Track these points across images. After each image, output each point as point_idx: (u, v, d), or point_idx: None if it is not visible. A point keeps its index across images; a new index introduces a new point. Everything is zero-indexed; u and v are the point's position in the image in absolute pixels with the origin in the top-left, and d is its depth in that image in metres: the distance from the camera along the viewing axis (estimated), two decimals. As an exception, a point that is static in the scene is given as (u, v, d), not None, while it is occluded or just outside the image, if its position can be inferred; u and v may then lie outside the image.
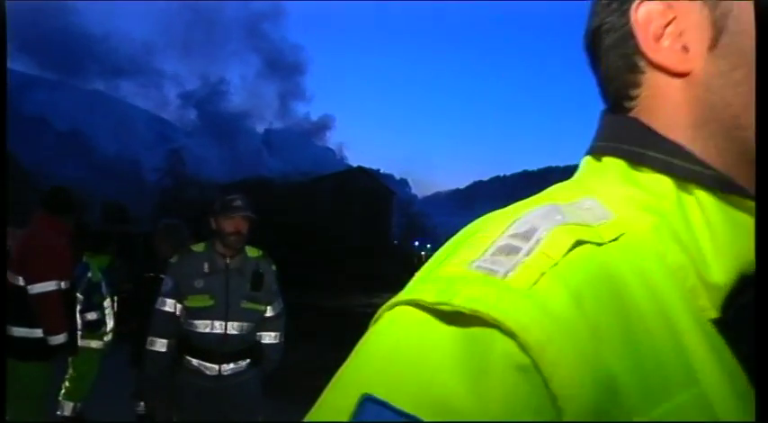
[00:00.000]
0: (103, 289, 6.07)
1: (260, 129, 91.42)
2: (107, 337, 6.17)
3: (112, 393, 6.23)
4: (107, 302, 6.16)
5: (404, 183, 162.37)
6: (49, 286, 4.72)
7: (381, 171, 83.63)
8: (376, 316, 0.59)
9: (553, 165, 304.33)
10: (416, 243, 60.83)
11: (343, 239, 41.07)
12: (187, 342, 3.85)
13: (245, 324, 3.89)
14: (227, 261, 3.87)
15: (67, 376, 6.00)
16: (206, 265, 3.84)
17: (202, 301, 3.81)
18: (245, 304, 3.90)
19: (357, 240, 44.12)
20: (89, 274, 6.03)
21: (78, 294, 5.69)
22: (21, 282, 4.66)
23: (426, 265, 0.65)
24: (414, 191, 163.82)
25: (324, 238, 37.38)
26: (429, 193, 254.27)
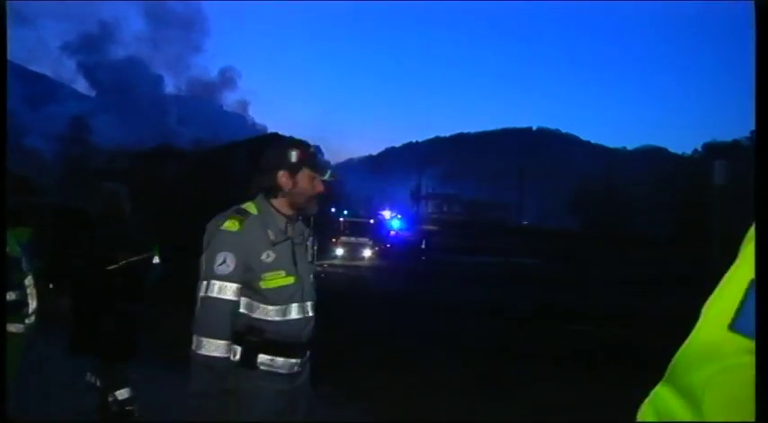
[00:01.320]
0: (24, 265, 5.28)
1: (164, 92, 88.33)
2: (29, 320, 5.33)
3: (44, 386, 5.55)
4: (28, 280, 5.34)
5: (317, 150, 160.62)
6: None
7: (294, 138, 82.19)
8: None
9: (464, 131, 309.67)
10: (333, 209, 60.47)
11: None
12: (258, 336, 2.99)
13: (313, 303, 3.25)
14: (290, 226, 3.16)
15: None
16: (270, 233, 3.05)
17: (280, 280, 3.03)
18: (312, 279, 3.28)
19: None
20: (7, 250, 5.28)
21: None
22: None
23: None
24: (327, 157, 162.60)
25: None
26: (342, 159, 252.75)
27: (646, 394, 0.98)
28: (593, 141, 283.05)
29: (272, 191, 3.13)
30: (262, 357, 2.99)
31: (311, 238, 3.34)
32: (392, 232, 56.33)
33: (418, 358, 9.37)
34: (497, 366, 9.10)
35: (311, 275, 3.27)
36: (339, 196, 74.32)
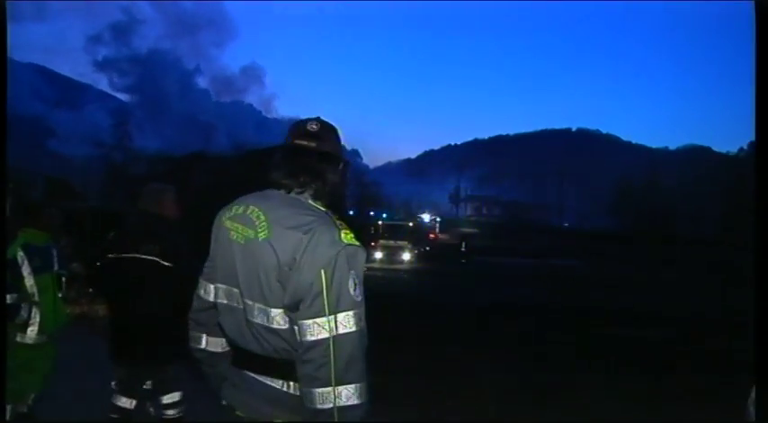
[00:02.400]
0: (25, 269, 5.07)
1: (204, 98, 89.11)
2: (31, 331, 5.13)
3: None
4: (30, 286, 5.12)
5: (355, 153, 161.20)
6: None
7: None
8: None
9: (503, 133, 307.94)
10: (371, 213, 60.37)
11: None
12: None
13: None
14: None
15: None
16: None
17: None
18: None
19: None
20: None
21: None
22: None
23: None
24: (365, 161, 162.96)
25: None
26: (380, 163, 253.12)
27: (691, 395, 0.94)
28: (634, 141, 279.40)
29: (310, 187, 2.43)
30: None
31: None
32: (432, 235, 56.07)
33: (459, 362, 9.15)
34: (540, 371, 8.85)
35: None
36: (377, 200, 74.54)
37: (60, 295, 5.44)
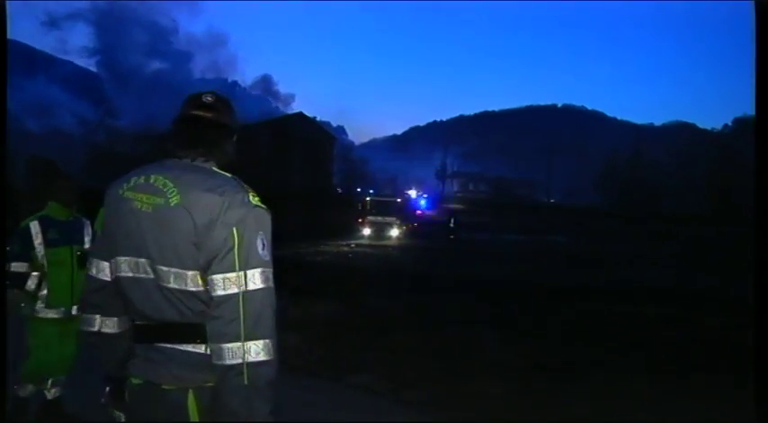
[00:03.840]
0: (36, 239, 5.14)
1: (186, 74, 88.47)
2: (40, 303, 5.16)
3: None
4: (40, 257, 5.16)
5: (341, 130, 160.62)
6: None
7: (318, 119, 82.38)
8: None
9: (489, 110, 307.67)
10: (359, 189, 60.25)
11: (287, 186, 40.04)
12: None
13: None
14: None
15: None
16: None
17: None
18: None
19: (300, 187, 43.20)
20: (22, 222, 5.25)
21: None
22: None
23: None
24: (351, 138, 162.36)
25: (266, 186, 36.33)
26: (366, 139, 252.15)
27: (689, 370, 0.95)
28: (619, 118, 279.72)
29: (214, 156, 2.51)
30: None
31: None
32: (419, 211, 55.98)
33: (456, 342, 8.96)
34: (543, 348, 8.68)
35: None
36: (364, 177, 74.32)
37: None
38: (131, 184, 2.39)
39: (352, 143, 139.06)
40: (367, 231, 41.61)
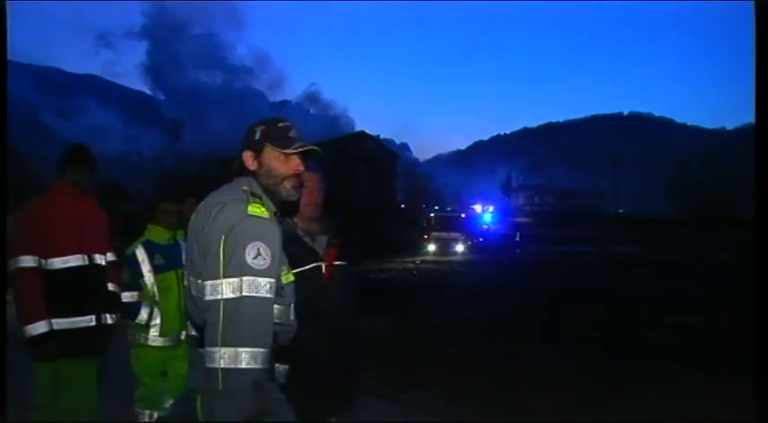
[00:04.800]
0: (144, 266, 5.03)
1: (252, 98, 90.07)
2: (153, 332, 5.03)
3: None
4: (151, 285, 5.05)
5: (405, 147, 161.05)
6: (22, 262, 4.07)
7: (381, 137, 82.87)
8: None
9: (553, 121, 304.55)
10: (423, 205, 60.16)
11: (351, 205, 40.24)
12: (274, 342, 2.59)
13: None
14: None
15: None
16: None
17: (288, 276, 2.74)
18: None
19: (364, 205, 43.36)
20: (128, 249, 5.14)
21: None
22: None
23: None
24: (415, 154, 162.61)
25: (331, 204, 36.63)
26: (430, 155, 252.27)
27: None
28: (689, 123, 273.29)
29: (243, 174, 2.71)
30: (279, 367, 2.69)
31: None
32: (484, 226, 55.55)
33: (521, 357, 8.79)
34: (611, 363, 8.45)
35: None
36: (428, 193, 74.26)
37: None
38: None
39: (417, 159, 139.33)
40: (432, 247, 41.45)
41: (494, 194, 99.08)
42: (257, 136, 2.68)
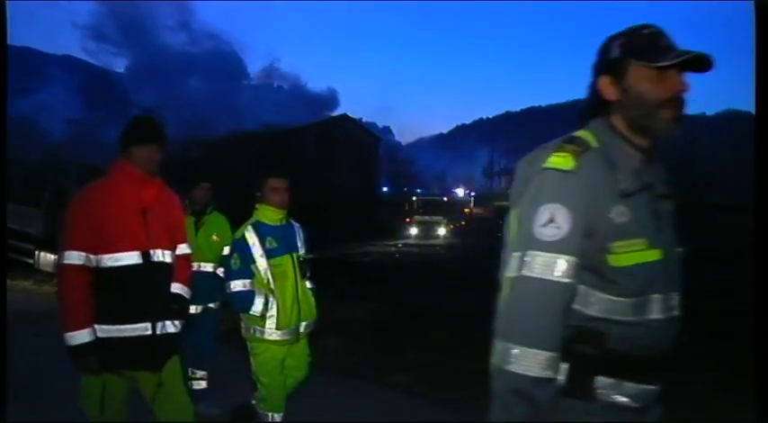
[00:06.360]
0: (256, 251, 4.53)
1: (231, 79, 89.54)
2: (270, 325, 4.50)
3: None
4: (265, 272, 4.55)
5: (387, 130, 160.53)
6: (67, 258, 3.51)
7: (363, 120, 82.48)
8: None
9: (535, 105, 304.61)
10: (405, 189, 60.14)
11: (333, 188, 40.15)
12: (598, 346, 1.88)
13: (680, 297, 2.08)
14: (647, 166, 2.03)
15: None
16: (621, 177, 1.93)
17: (638, 254, 1.88)
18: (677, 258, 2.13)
19: (347, 188, 43.27)
20: (238, 233, 4.72)
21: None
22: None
23: None
24: (398, 138, 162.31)
25: (312, 188, 36.57)
26: (413, 138, 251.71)
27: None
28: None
29: (600, 109, 2.07)
30: (602, 381, 1.88)
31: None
32: (466, 210, 55.67)
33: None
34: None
35: (675, 250, 2.06)
36: (411, 176, 74.19)
37: (309, 285, 4.79)
38: None
39: (399, 143, 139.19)
40: (414, 231, 41.54)
41: (477, 178, 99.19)
42: (616, 52, 2.00)
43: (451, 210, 46.94)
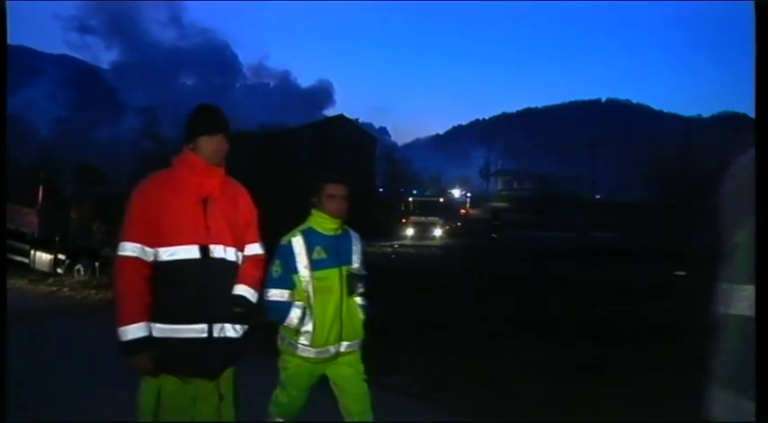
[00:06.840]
0: (300, 260, 4.16)
1: (228, 79, 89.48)
2: (303, 340, 4.15)
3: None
4: (306, 284, 4.15)
5: (383, 131, 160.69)
6: (121, 249, 3.31)
7: (360, 120, 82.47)
8: None
9: (532, 106, 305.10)
10: (401, 190, 60.17)
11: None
12: None
13: None
14: None
15: None
16: None
17: None
18: None
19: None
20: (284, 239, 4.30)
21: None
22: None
23: None
24: (394, 138, 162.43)
25: (309, 189, 36.40)
26: (409, 139, 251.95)
27: None
28: (666, 110, 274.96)
29: None
30: None
31: None
32: (462, 211, 55.77)
33: (499, 342, 8.82)
34: (587, 350, 8.50)
35: None
36: (407, 177, 74.17)
37: (360, 302, 4.34)
38: None
39: (395, 144, 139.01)
40: (410, 232, 41.60)
41: (473, 179, 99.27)
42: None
43: (447, 210, 47.03)
